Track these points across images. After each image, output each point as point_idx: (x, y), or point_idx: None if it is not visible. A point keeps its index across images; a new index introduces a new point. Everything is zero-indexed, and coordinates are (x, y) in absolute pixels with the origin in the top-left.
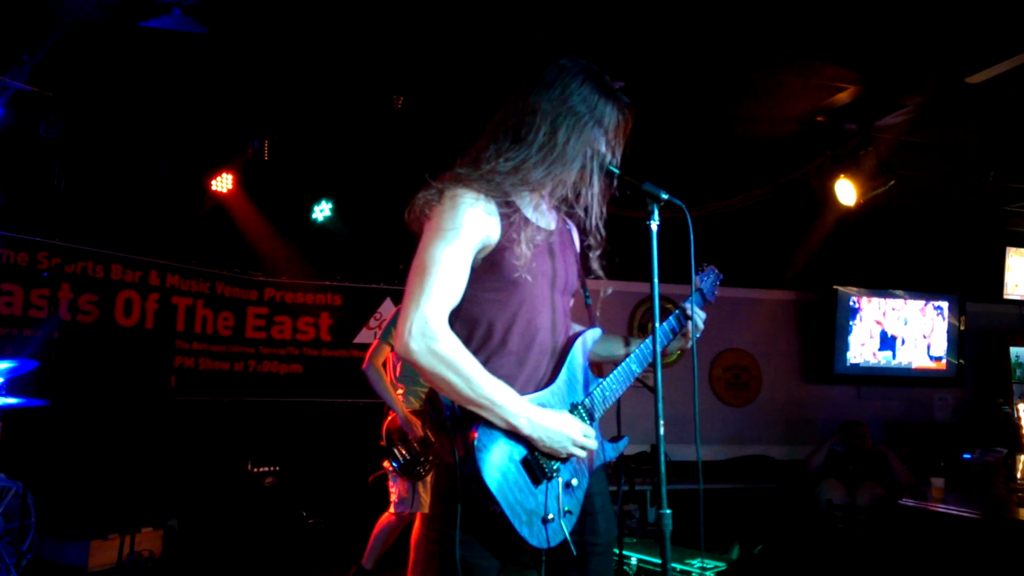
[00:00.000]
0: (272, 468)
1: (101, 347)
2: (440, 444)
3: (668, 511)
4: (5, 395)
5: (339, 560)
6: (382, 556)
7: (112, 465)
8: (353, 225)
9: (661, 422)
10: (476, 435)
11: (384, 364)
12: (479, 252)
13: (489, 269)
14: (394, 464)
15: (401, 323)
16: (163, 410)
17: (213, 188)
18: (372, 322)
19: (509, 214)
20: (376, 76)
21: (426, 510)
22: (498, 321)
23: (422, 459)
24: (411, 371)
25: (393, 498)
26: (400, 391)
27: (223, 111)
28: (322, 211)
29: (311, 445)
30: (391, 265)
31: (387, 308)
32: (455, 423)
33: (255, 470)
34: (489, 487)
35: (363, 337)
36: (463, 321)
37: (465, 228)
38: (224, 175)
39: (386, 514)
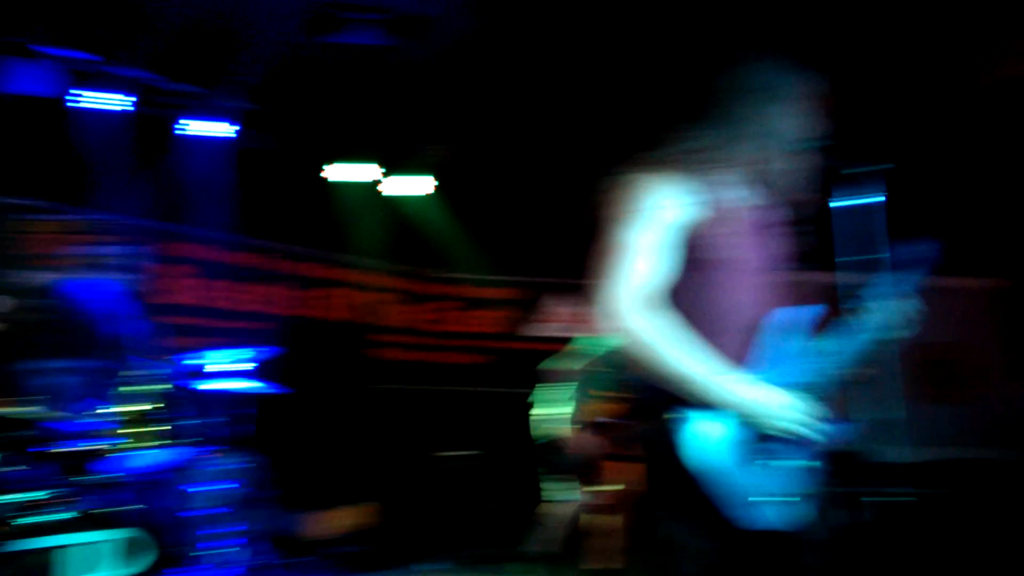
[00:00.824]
0: (459, 453)
1: (314, 339)
2: (646, 424)
3: None
4: (254, 380)
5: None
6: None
7: (328, 447)
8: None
9: None
10: (682, 412)
11: None
12: (677, 233)
13: (692, 249)
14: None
15: (602, 304)
16: (365, 398)
17: (403, 188)
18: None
19: (708, 193)
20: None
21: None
22: (703, 302)
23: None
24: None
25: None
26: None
27: (413, 115)
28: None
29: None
30: (573, 257)
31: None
32: (658, 402)
33: (443, 454)
34: (698, 464)
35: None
36: (669, 302)
37: (660, 209)
38: (420, 176)
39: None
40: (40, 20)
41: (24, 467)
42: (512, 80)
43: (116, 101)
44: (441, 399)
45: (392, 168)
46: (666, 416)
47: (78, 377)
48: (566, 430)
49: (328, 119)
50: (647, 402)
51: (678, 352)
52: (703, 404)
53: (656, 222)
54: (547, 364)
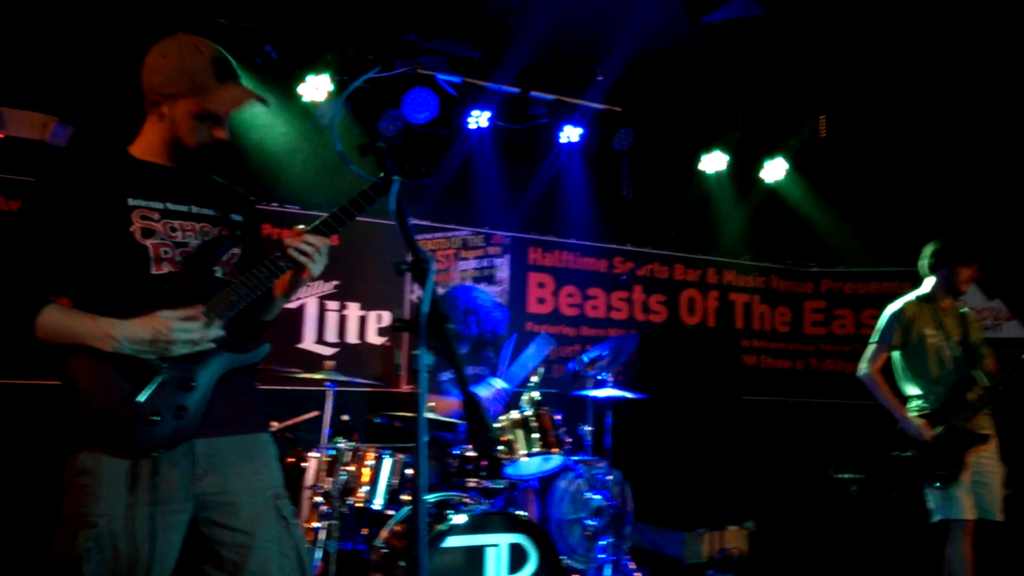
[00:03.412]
0: (856, 476)
1: (674, 345)
2: None
3: None
4: (612, 387)
5: None
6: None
7: (694, 461)
8: (920, 201)
9: None
10: None
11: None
12: None
13: None
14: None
15: None
16: (734, 409)
17: (765, 177)
18: None
19: None
20: (956, 18)
21: (966, 515)
22: None
23: (944, 462)
24: None
25: (930, 506)
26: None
27: (774, 94)
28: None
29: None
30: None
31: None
32: None
33: (836, 477)
34: None
35: None
36: None
37: None
38: (776, 162)
39: None
40: (421, 48)
41: (448, 468)
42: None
43: (488, 118)
44: (825, 412)
45: (755, 154)
46: None
47: (474, 383)
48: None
49: (692, 109)
50: None
51: None
52: None
53: None
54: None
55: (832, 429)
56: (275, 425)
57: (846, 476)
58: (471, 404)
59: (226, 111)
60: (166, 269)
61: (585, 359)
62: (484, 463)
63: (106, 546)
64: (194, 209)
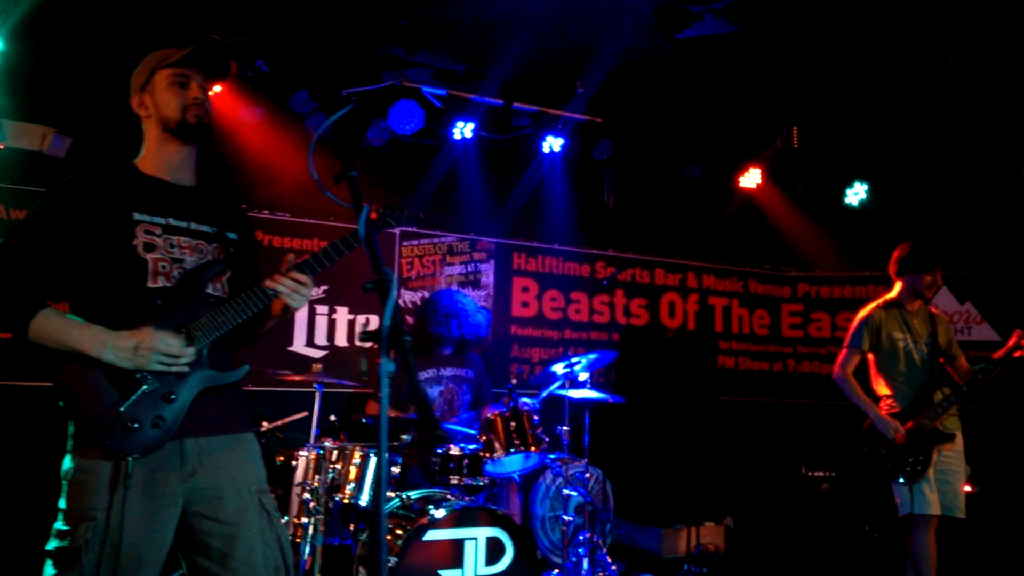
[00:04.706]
0: (827, 473)
1: (652, 348)
2: None
3: None
4: (591, 389)
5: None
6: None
7: (672, 459)
8: (892, 207)
9: None
10: None
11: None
12: None
13: None
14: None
15: None
16: (712, 409)
17: (741, 185)
18: None
19: None
20: (923, 29)
21: (930, 511)
22: None
23: (910, 459)
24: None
25: (897, 501)
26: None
27: (749, 105)
28: (856, 194)
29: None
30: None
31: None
32: None
33: (809, 474)
34: None
35: None
36: None
37: None
38: (751, 170)
39: None
40: (407, 62)
41: (431, 466)
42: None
43: (472, 129)
44: (800, 412)
45: (722, 161)
46: None
47: (456, 385)
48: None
49: (671, 119)
50: None
51: None
52: None
53: None
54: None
55: (807, 428)
56: (266, 425)
57: (818, 474)
58: (422, 404)
59: (193, 65)
60: (161, 283)
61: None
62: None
63: (103, 538)
64: (193, 226)
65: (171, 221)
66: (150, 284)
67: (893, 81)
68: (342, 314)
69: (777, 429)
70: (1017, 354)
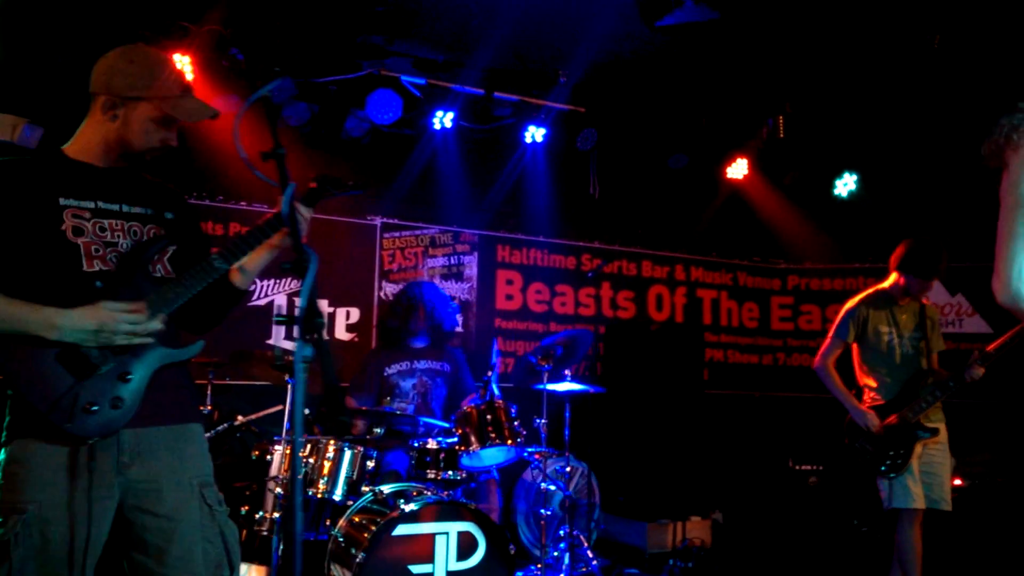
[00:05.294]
0: (815, 467)
1: (639, 340)
2: None
3: None
4: (571, 381)
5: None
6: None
7: (658, 453)
8: (882, 197)
9: None
10: None
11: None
12: None
13: None
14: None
15: (1006, 267)
16: (698, 402)
17: (728, 176)
18: None
19: None
20: (908, 14)
21: (915, 504)
22: None
23: (893, 452)
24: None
25: (881, 495)
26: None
27: (735, 94)
28: (845, 185)
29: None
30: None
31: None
32: None
33: (797, 468)
34: None
35: None
36: None
37: None
38: (738, 160)
39: None
40: (386, 51)
41: (407, 459)
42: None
43: (452, 118)
44: (789, 405)
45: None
46: None
47: (431, 377)
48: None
49: (656, 109)
50: None
51: None
52: None
53: None
54: None
55: (795, 422)
56: (240, 419)
57: (805, 468)
58: (331, 390)
59: (188, 120)
60: (98, 267)
61: (538, 352)
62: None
63: (35, 531)
64: (124, 208)
65: (100, 204)
66: (86, 268)
67: (880, 68)
68: (321, 307)
69: (765, 423)
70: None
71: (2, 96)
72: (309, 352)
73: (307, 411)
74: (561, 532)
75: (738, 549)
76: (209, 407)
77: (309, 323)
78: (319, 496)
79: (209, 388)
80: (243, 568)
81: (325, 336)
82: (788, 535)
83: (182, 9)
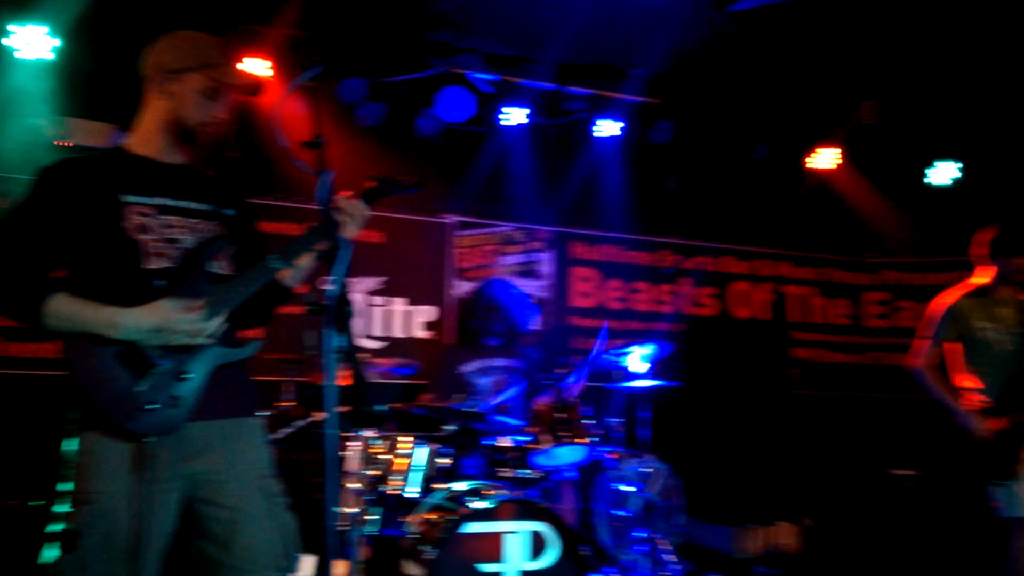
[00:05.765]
0: (913, 472)
1: (722, 338)
2: None
3: None
4: (648, 378)
5: None
6: None
7: (744, 455)
8: (984, 186)
9: None
10: None
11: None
12: None
13: None
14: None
15: None
16: (786, 403)
17: (814, 166)
18: None
19: None
20: None
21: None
22: None
23: (1006, 456)
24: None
25: (994, 503)
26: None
27: (820, 80)
28: (942, 174)
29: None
30: None
31: None
32: None
33: (894, 473)
34: None
35: None
36: None
37: None
38: (826, 150)
39: None
40: (456, 48)
41: (479, 457)
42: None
43: (524, 114)
44: (886, 407)
45: (791, 141)
46: None
47: (507, 375)
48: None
49: (735, 98)
50: None
51: None
52: None
53: None
54: None
55: (891, 424)
56: (319, 415)
57: (903, 472)
58: (357, 378)
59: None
60: (159, 264)
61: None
62: (516, 455)
63: (103, 521)
64: (187, 204)
65: (163, 201)
66: (147, 265)
67: (982, 44)
68: (399, 305)
69: (859, 425)
70: None
71: (92, 103)
72: (341, 342)
73: (382, 407)
74: (640, 535)
75: (829, 556)
76: (289, 403)
77: (339, 313)
78: (394, 493)
79: (288, 385)
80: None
81: (354, 327)
82: (883, 543)
83: (254, 13)
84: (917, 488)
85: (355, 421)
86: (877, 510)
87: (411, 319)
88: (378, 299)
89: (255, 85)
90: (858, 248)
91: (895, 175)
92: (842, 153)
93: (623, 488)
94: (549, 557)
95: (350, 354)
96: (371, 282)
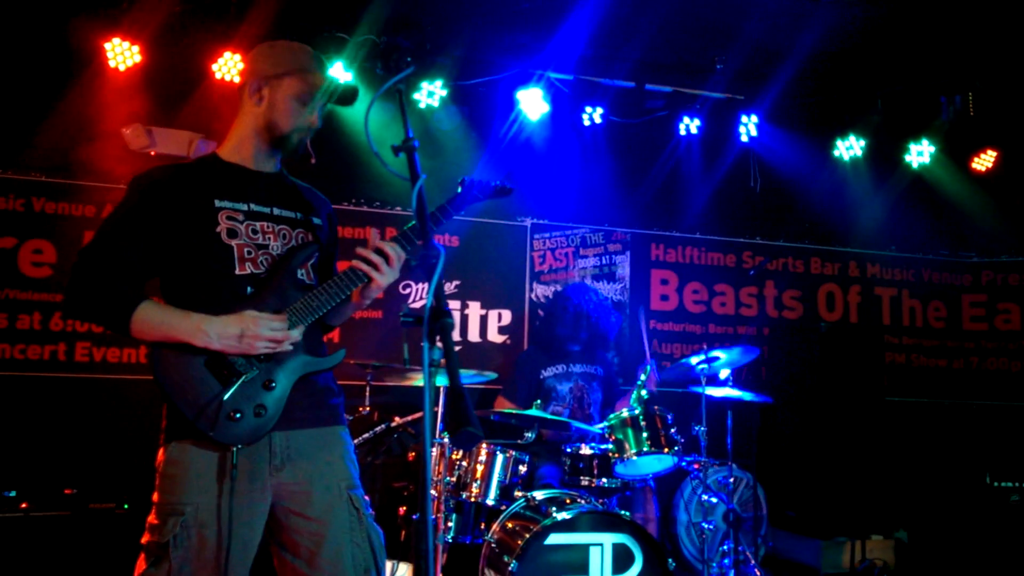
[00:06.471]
0: (1017, 484)
1: (808, 342)
2: None
3: None
4: (733, 387)
5: None
6: None
7: (834, 465)
8: None
9: None
10: None
11: None
12: None
13: None
14: None
15: None
16: (878, 410)
17: (908, 161)
18: None
19: None
20: None
21: None
22: None
23: None
24: None
25: None
26: None
27: (913, 70)
28: None
29: None
30: None
31: None
32: None
33: (996, 484)
34: None
35: None
36: None
37: None
38: (920, 144)
39: None
40: (533, 49)
41: (558, 465)
42: None
43: (602, 114)
44: (985, 414)
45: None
46: None
47: (587, 381)
48: None
49: (824, 91)
50: None
51: None
52: None
53: None
54: None
55: (993, 433)
56: (397, 420)
57: (1005, 484)
58: (456, 395)
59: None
60: (249, 270)
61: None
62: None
63: (192, 533)
64: (275, 211)
65: (252, 207)
66: (238, 271)
67: None
68: (474, 309)
69: (957, 433)
70: None
71: (175, 112)
72: (437, 355)
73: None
74: (725, 547)
75: (926, 572)
76: (368, 408)
77: (436, 323)
78: (473, 500)
79: (368, 389)
80: (403, 568)
81: (454, 337)
82: (984, 559)
83: (335, 20)
84: (1021, 501)
85: (457, 442)
86: (977, 524)
87: (486, 323)
88: (453, 304)
89: (353, 92)
90: (953, 247)
91: (992, 172)
92: (934, 147)
93: (706, 498)
94: (634, 570)
95: (450, 368)
96: (445, 286)
